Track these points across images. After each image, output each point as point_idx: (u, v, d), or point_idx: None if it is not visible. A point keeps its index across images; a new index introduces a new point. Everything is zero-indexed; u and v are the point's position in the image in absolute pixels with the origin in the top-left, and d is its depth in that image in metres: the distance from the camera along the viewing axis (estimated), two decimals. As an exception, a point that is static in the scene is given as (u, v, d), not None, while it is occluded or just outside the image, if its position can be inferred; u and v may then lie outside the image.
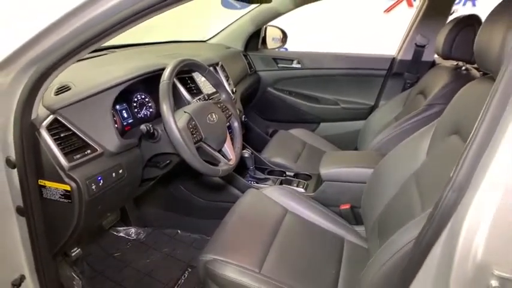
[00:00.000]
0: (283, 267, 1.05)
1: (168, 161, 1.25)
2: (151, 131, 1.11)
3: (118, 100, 1.13)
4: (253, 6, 2.28)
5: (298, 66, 2.44)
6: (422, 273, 0.61)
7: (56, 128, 0.90)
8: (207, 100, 1.44)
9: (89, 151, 0.96)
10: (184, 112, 1.14)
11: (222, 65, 1.86)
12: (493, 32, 0.74)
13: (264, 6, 2.22)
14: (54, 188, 0.91)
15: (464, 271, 0.53)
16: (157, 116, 1.34)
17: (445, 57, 1.57)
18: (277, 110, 2.54)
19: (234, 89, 1.89)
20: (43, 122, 0.87)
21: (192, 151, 1.06)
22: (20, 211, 0.89)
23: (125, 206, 1.78)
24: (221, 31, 2.42)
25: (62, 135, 0.91)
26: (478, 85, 0.93)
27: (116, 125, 1.14)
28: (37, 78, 0.75)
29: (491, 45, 0.74)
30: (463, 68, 1.61)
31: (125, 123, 1.22)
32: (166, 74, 1.09)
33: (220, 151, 1.25)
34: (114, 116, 1.15)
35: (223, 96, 1.40)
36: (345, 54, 2.40)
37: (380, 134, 1.70)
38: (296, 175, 1.76)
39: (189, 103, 1.36)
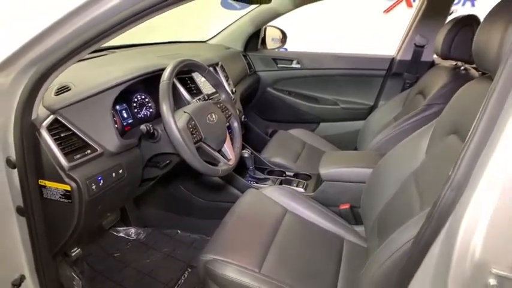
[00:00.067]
0: (283, 267, 1.06)
1: (168, 161, 1.25)
2: (151, 131, 1.12)
3: (118, 100, 1.13)
4: (252, 6, 2.29)
5: (298, 66, 2.44)
6: (420, 272, 0.62)
7: (56, 128, 0.91)
8: (206, 100, 1.44)
9: (89, 151, 0.97)
10: (184, 112, 1.15)
11: (221, 65, 1.87)
12: (491, 32, 0.75)
13: (264, 6, 2.22)
14: (55, 188, 0.91)
15: (462, 270, 0.53)
16: (157, 116, 1.34)
17: (444, 57, 1.57)
18: (277, 110, 2.55)
19: (234, 89, 1.90)
20: (43, 122, 0.87)
21: (192, 151, 1.06)
22: (20, 211, 0.89)
23: (125, 206, 1.78)
24: (221, 31, 2.42)
25: (62, 135, 0.92)
26: (477, 85, 0.93)
27: (116, 125, 1.14)
28: (37, 79, 0.75)
29: (489, 45, 0.75)
30: (462, 68, 1.61)
31: (124, 124, 1.22)
32: (166, 74, 1.09)
33: (220, 151, 1.26)
34: (114, 116, 1.15)
35: (223, 96, 1.40)
36: (345, 54, 2.41)
37: (379, 134, 1.71)
38: (296, 175, 1.76)
39: (188, 103, 1.37)
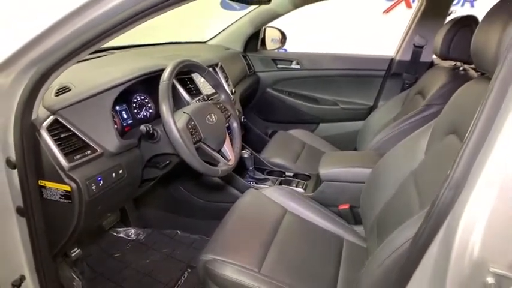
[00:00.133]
0: (282, 267, 1.06)
1: (167, 162, 1.26)
2: (151, 131, 1.12)
3: (118, 101, 1.13)
4: (252, 7, 2.29)
5: (297, 67, 2.45)
6: (419, 271, 0.62)
7: (56, 128, 0.91)
8: (206, 101, 1.45)
9: (88, 151, 0.97)
10: (184, 113, 1.15)
11: (221, 66, 1.87)
12: (489, 33, 0.75)
13: (263, 7, 2.23)
14: (54, 188, 0.91)
15: (460, 269, 0.54)
16: (156, 116, 1.35)
17: (443, 57, 1.57)
18: (277, 110, 2.55)
19: (233, 90, 1.90)
20: (43, 122, 0.88)
21: (192, 151, 1.06)
22: (20, 211, 0.89)
23: (125, 207, 1.78)
24: (220, 32, 2.43)
25: (62, 135, 0.92)
26: (475, 85, 0.94)
27: (116, 126, 1.14)
28: (37, 79, 0.76)
29: (487, 45, 0.75)
30: (461, 68, 1.61)
31: (124, 124, 1.22)
32: (165, 75, 1.09)
33: (219, 151, 1.26)
34: (113, 117, 1.15)
35: (223, 97, 1.41)
36: (344, 55, 2.41)
37: (379, 134, 1.71)
38: (295, 175, 1.77)
39: (188, 104, 1.37)
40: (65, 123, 0.93)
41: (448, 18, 1.91)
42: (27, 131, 0.82)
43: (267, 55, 2.51)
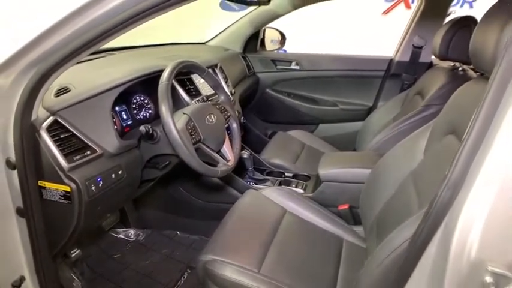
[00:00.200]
0: (282, 267, 1.06)
1: (167, 162, 1.26)
2: (151, 132, 1.12)
3: (117, 102, 1.13)
4: (251, 8, 2.29)
5: (297, 67, 2.45)
6: (418, 271, 0.62)
7: (55, 129, 0.91)
8: (205, 101, 1.45)
9: (88, 152, 0.97)
10: (183, 113, 1.15)
11: (220, 67, 1.87)
12: (488, 33, 0.76)
13: (262, 8, 2.23)
14: (54, 189, 0.92)
15: (459, 268, 0.54)
16: (156, 117, 1.35)
17: (442, 58, 1.58)
18: (276, 111, 2.55)
19: (233, 91, 1.90)
20: (43, 123, 0.88)
21: (191, 152, 1.06)
22: (20, 212, 0.90)
23: (125, 208, 1.78)
24: (220, 33, 2.43)
25: (61, 136, 0.92)
26: (474, 85, 0.94)
27: (115, 126, 1.15)
28: (37, 80, 0.76)
29: (485, 45, 0.76)
30: (460, 68, 1.62)
31: (124, 125, 1.22)
32: (165, 76, 1.09)
33: (219, 152, 1.26)
34: (113, 118, 1.15)
35: (222, 97, 1.41)
36: (343, 55, 2.42)
37: (378, 134, 1.71)
38: (295, 176, 1.77)
39: (187, 104, 1.37)
40: (65, 124, 0.94)
41: (447, 19, 1.91)
42: (27, 132, 0.82)
43: (267, 56, 2.51)
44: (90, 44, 0.73)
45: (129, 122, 1.25)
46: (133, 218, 1.83)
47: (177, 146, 1.04)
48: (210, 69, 1.40)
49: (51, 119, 0.90)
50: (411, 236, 0.66)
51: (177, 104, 1.34)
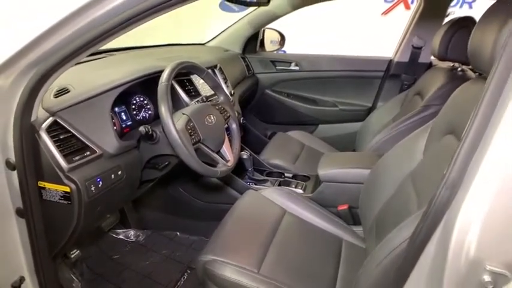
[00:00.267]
0: (281, 268, 1.06)
1: (166, 163, 1.26)
2: (150, 132, 1.12)
3: (117, 102, 1.14)
4: (251, 9, 2.30)
5: (296, 68, 2.46)
6: (416, 271, 0.62)
7: (55, 130, 0.91)
8: (205, 102, 1.45)
9: (88, 153, 0.97)
10: (183, 114, 1.15)
11: (220, 68, 1.88)
12: (486, 33, 0.76)
13: (262, 9, 2.23)
14: (54, 189, 0.92)
15: (457, 267, 0.54)
16: (155, 118, 1.35)
17: (441, 58, 1.58)
18: (276, 112, 2.55)
19: (232, 91, 1.91)
20: (43, 124, 0.88)
21: (191, 152, 1.06)
22: (19, 213, 0.90)
23: (124, 209, 1.78)
24: (219, 34, 2.43)
25: (61, 137, 0.92)
26: (473, 85, 0.94)
27: (115, 127, 1.15)
28: (37, 81, 0.76)
29: (483, 46, 0.76)
30: (459, 69, 1.62)
31: (123, 125, 1.23)
32: (164, 76, 1.10)
33: (218, 152, 1.26)
34: (113, 118, 1.15)
35: (222, 98, 1.41)
36: (343, 56, 2.42)
37: (378, 135, 1.71)
38: (294, 176, 1.77)
39: (187, 105, 1.37)
40: (64, 125, 0.94)
41: (446, 20, 1.92)
42: (26, 132, 0.82)
43: (266, 57, 2.52)
44: (90, 44, 0.73)
45: (129, 123, 1.25)
46: (133, 218, 1.83)
47: (177, 146, 1.04)
48: (209, 70, 1.40)
49: (50, 119, 0.91)
50: (410, 236, 0.66)
51: (176, 104, 1.34)
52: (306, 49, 2.66)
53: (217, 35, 2.44)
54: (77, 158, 0.94)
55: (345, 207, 1.46)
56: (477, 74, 1.50)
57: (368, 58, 2.37)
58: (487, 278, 0.52)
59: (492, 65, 0.58)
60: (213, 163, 1.21)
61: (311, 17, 3.26)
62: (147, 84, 1.24)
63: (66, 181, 0.90)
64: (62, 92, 0.98)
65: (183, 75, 1.48)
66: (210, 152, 1.20)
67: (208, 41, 2.44)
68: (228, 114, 1.38)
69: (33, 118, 0.84)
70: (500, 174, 0.52)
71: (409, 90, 1.94)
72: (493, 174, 0.53)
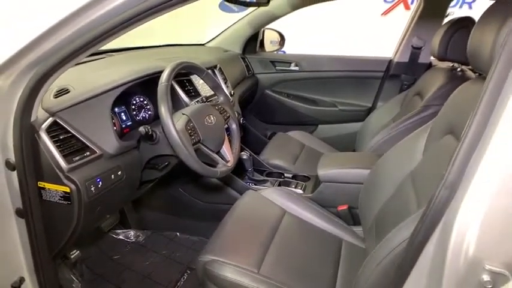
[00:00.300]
0: (281, 268, 1.06)
1: (166, 163, 1.26)
2: (150, 133, 1.12)
3: (117, 103, 1.14)
4: (250, 9, 2.30)
5: (296, 68, 2.46)
6: (416, 271, 0.62)
7: (55, 130, 0.91)
8: (205, 102, 1.45)
9: (87, 153, 0.97)
10: (183, 114, 1.15)
11: (220, 68, 1.88)
12: (485, 34, 0.76)
13: (261, 9, 2.23)
14: (54, 189, 0.92)
15: (456, 267, 0.54)
16: (155, 118, 1.35)
17: (441, 58, 1.58)
18: (276, 112, 2.56)
19: (232, 92, 1.91)
20: (42, 124, 0.88)
21: (190, 152, 1.06)
22: (19, 213, 0.90)
23: (124, 209, 1.78)
24: (219, 34, 2.44)
25: (61, 137, 0.92)
26: (472, 85, 0.94)
27: (115, 127, 1.15)
28: (37, 81, 0.76)
29: (483, 46, 0.76)
30: (459, 69, 1.62)
31: (123, 126, 1.23)
32: (164, 76, 1.10)
33: (218, 153, 1.26)
34: (112, 119, 1.15)
35: (221, 98, 1.41)
36: (343, 56, 2.42)
37: (377, 135, 1.71)
38: (294, 177, 1.77)
39: (187, 105, 1.38)
40: (64, 125, 0.94)
41: (446, 20, 1.92)
42: (26, 133, 0.82)
43: (266, 57, 2.52)
44: (90, 44, 0.73)
45: (129, 123, 1.25)
46: (133, 219, 1.83)
47: (177, 146, 1.04)
48: (209, 70, 1.40)
49: (50, 120, 0.91)
50: (409, 236, 0.66)
51: (176, 104, 1.34)
52: (306, 49, 2.66)
53: (217, 36, 2.44)
54: (77, 158, 0.94)
55: (344, 207, 1.46)
56: (477, 74, 1.50)
57: (368, 58, 2.37)
58: (486, 277, 0.52)
59: (491, 65, 0.58)
60: (212, 163, 1.21)
61: (311, 17, 3.26)
62: (147, 84, 1.24)
63: (66, 181, 0.90)
64: (62, 92, 0.98)
65: (183, 75, 1.49)
66: (209, 152, 1.20)
67: (208, 42, 2.44)
68: (228, 115, 1.38)
69: (33, 118, 0.84)
70: (499, 174, 0.52)
71: (409, 90, 1.94)
72: (492, 174, 0.53)
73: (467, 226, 0.53)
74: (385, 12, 3.97)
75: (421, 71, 1.99)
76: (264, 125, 2.63)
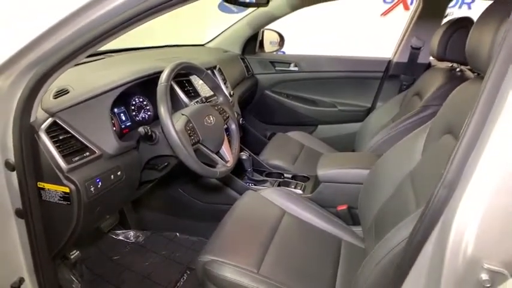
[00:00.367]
0: (281, 268, 1.06)
1: (166, 163, 1.26)
2: (149, 133, 1.12)
3: (116, 103, 1.14)
4: (250, 10, 2.30)
5: (296, 69, 2.46)
6: (415, 270, 0.63)
7: (54, 130, 0.91)
8: (204, 103, 1.45)
9: (87, 153, 0.97)
10: (182, 114, 1.15)
11: (219, 68, 1.88)
12: (483, 33, 0.76)
13: (261, 9, 2.24)
14: (53, 190, 0.92)
15: (455, 266, 0.54)
16: (155, 118, 1.35)
17: (440, 59, 1.58)
18: (275, 112, 2.56)
19: (232, 92, 1.91)
20: (42, 124, 0.88)
21: (190, 153, 1.06)
22: (19, 213, 0.90)
23: (124, 209, 1.78)
24: (219, 35, 2.44)
25: (60, 137, 0.92)
26: (471, 85, 0.95)
27: (114, 128, 1.15)
28: (36, 81, 0.76)
29: (481, 46, 0.76)
30: (458, 69, 1.63)
31: (123, 126, 1.23)
32: (163, 77, 1.10)
33: (217, 153, 1.26)
34: (112, 119, 1.15)
35: (221, 99, 1.41)
36: (342, 57, 2.43)
37: (377, 135, 1.72)
38: (294, 177, 1.77)
39: (186, 106, 1.38)
40: (64, 125, 0.94)
41: (445, 20, 1.92)
42: (26, 133, 0.82)
43: (265, 57, 2.52)
44: (90, 44, 0.73)
45: (128, 124, 1.25)
46: (133, 219, 1.83)
47: (176, 147, 1.04)
48: (208, 71, 1.40)
49: (50, 120, 0.91)
50: (408, 235, 0.66)
51: (175, 105, 1.34)
52: (305, 50, 2.67)
53: (216, 36, 2.44)
54: (77, 158, 0.94)
55: (344, 207, 1.46)
56: (475, 74, 1.51)
57: (367, 59, 2.38)
58: (484, 276, 0.52)
59: (489, 65, 0.58)
60: (212, 164, 1.21)
61: (310, 17, 3.27)
62: (147, 85, 1.24)
63: (65, 182, 0.90)
64: (62, 92, 0.98)
65: (183, 76, 1.49)
66: (209, 152, 1.20)
67: (208, 42, 2.44)
68: (227, 115, 1.38)
69: (32, 119, 0.84)
70: (498, 173, 0.52)
71: (408, 90, 1.94)
72: (490, 173, 0.53)
73: (466, 225, 0.53)
74: (385, 13, 3.98)
75: (420, 71, 2.00)
76: (263, 126, 2.63)
